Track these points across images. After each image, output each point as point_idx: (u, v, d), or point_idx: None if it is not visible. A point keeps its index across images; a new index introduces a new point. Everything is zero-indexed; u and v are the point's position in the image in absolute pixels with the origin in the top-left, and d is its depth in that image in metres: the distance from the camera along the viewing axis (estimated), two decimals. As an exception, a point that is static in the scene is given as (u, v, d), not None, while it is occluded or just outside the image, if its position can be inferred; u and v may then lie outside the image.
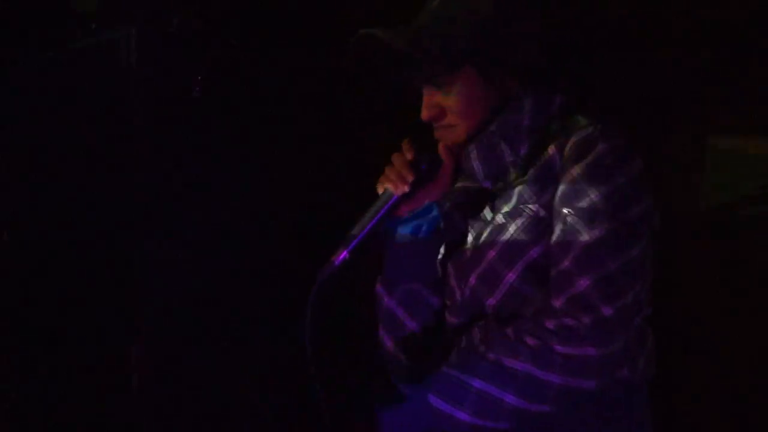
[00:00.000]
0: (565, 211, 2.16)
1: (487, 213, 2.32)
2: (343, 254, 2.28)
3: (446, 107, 2.28)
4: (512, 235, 2.22)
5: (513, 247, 2.21)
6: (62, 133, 3.52)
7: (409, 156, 2.31)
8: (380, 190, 2.33)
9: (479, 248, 2.27)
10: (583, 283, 2.11)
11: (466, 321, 2.29)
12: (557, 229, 2.17)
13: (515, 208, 2.23)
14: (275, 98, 3.80)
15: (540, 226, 2.20)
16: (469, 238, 2.33)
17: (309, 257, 2.43)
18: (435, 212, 2.35)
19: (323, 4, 3.84)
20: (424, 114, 2.30)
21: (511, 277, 2.20)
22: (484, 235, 2.27)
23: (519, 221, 2.22)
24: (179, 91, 3.55)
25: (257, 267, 3.75)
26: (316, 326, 2.25)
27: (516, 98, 2.26)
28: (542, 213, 2.20)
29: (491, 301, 2.23)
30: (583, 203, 2.15)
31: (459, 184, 2.37)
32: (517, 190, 2.25)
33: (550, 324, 2.10)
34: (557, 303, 2.12)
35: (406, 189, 2.30)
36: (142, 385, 3.50)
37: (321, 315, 2.25)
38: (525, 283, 2.20)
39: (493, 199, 2.32)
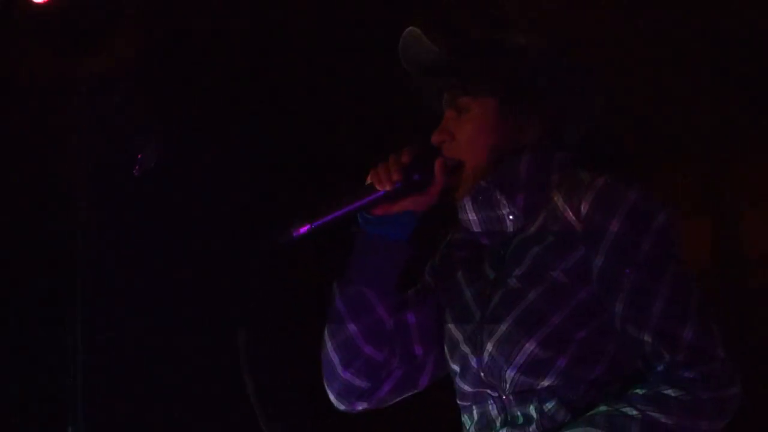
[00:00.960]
0: (625, 270, 2.11)
1: (489, 271, 2.27)
2: (305, 228, 2.22)
3: (457, 137, 2.26)
4: (532, 302, 2.16)
5: (533, 315, 2.15)
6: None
7: (405, 159, 2.25)
8: (367, 182, 2.27)
9: (493, 313, 2.21)
10: (687, 334, 2.07)
11: (482, 389, 2.22)
12: (623, 291, 2.11)
13: (533, 273, 2.17)
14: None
15: (561, 292, 2.15)
16: (468, 295, 2.29)
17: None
18: (407, 221, 2.29)
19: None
20: (435, 136, 2.28)
21: (530, 345, 2.14)
22: (496, 298, 2.21)
23: (539, 288, 2.16)
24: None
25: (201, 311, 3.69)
26: (258, 292, 2.19)
27: (515, 152, 2.24)
28: (563, 279, 2.15)
29: (510, 372, 2.17)
30: (640, 255, 2.11)
31: (455, 235, 2.35)
32: (531, 253, 2.19)
33: (688, 373, 2.06)
34: (680, 357, 2.07)
35: (388, 188, 2.24)
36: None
37: (264, 287, 2.19)
38: (545, 349, 2.14)
39: (492, 255, 2.28)
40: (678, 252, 2.13)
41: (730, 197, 4.13)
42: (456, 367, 2.28)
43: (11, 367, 3.48)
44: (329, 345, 2.31)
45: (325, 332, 2.33)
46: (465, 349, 2.25)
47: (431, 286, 2.38)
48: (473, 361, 2.23)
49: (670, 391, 2.05)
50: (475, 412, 2.24)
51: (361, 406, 2.36)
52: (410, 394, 2.37)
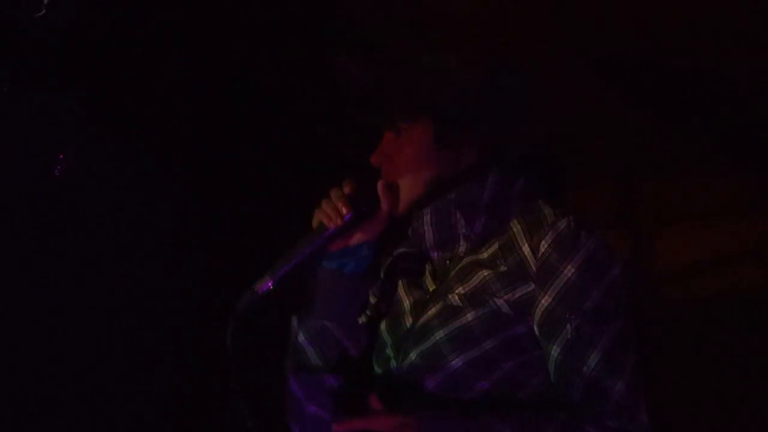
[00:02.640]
0: (569, 315, 2.12)
1: (429, 283, 2.30)
2: (268, 284, 2.23)
3: (395, 159, 2.27)
4: (469, 322, 2.17)
5: (467, 335, 2.17)
6: None
7: (347, 190, 2.26)
8: (315, 224, 2.28)
9: (425, 325, 2.22)
10: (619, 391, 2.10)
11: (395, 393, 2.21)
12: (564, 334, 2.12)
13: (477, 295, 2.18)
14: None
15: (500, 320, 2.16)
16: (406, 304, 2.31)
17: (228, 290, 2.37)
18: (365, 252, 2.30)
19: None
20: (374, 158, 2.30)
21: (456, 363, 2.16)
22: (432, 311, 2.23)
23: (480, 311, 2.17)
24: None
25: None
26: (238, 356, 2.19)
27: (478, 170, 2.24)
28: (505, 309, 2.16)
29: (429, 382, 2.18)
30: (589, 304, 2.12)
31: (401, 249, 2.36)
32: (479, 275, 2.20)
33: (612, 423, 2.09)
34: (607, 408, 2.10)
35: (340, 223, 2.25)
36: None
37: (242, 345, 2.20)
38: (469, 369, 2.16)
39: (437, 270, 2.29)
40: (624, 309, 2.15)
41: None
42: (378, 370, 2.31)
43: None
44: (292, 380, 2.32)
45: (287, 367, 2.33)
46: (390, 353, 2.27)
47: (376, 309, 2.38)
48: (393, 366, 2.25)
49: (590, 429, 2.09)
50: None
51: None
52: None
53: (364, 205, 2.26)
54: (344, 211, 2.24)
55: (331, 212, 2.25)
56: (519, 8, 3.51)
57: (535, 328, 2.16)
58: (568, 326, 2.12)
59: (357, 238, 2.29)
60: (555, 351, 2.13)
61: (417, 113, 2.25)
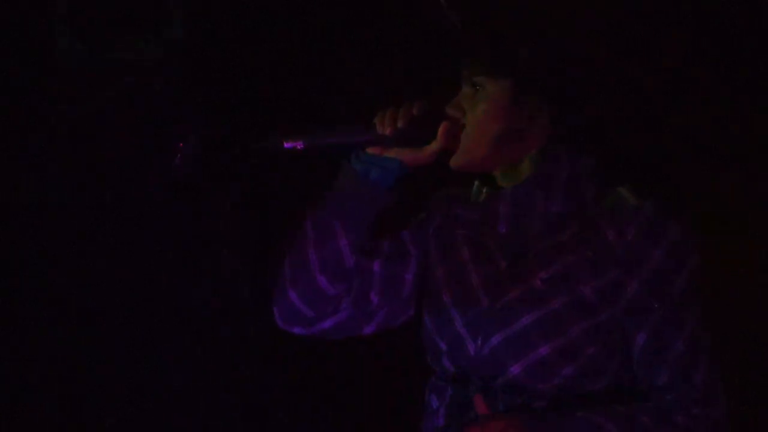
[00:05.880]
0: (656, 302, 2.19)
1: (500, 260, 2.28)
2: (299, 144, 2.26)
3: (468, 113, 2.29)
4: (556, 309, 2.19)
5: (554, 322, 2.19)
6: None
7: (415, 111, 2.29)
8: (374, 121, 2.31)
9: (509, 308, 2.23)
10: (701, 375, 2.18)
11: (467, 374, 2.25)
12: (651, 320, 2.20)
13: (561, 281, 2.21)
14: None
15: (585, 309, 2.20)
16: (475, 278, 2.29)
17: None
18: (393, 170, 2.30)
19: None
20: (449, 109, 2.31)
21: (544, 350, 2.19)
22: (514, 293, 2.23)
23: (566, 298, 2.19)
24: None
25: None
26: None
27: (550, 149, 2.27)
28: (591, 297, 2.20)
29: (514, 369, 2.21)
30: (674, 290, 2.19)
31: (460, 211, 2.38)
32: (563, 260, 2.22)
33: (697, 410, 2.18)
34: (693, 395, 2.19)
35: (388, 132, 2.28)
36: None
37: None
38: (555, 356, 2.19)
39: (509, 245, 2.29)
40: (702, 292, 2.21)
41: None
42: (443, 345, 2.29)
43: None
44: (286, 261, 2.32)
45: (286, 249, 2.34)
46: (463, 332, 2.26)
47: (410, 246, 2.38)
48: (470, 346, 2.25)
49: (679, 419, 2.17)
50: (448, 393, 2.27)
51: (299, 331, 2.37)
52: (351, 336, 2.39)
53: (420, 129, 2.28)
54: (400, 124, 2.27)
55: (388, 119, 2.27)
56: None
57: (622, 314, 2.19)
58: (655, 313, 2.18)
59: (395, 153, 2.30)
60: (641, 338, 2.19)
61: (501, 71, 2.28)
